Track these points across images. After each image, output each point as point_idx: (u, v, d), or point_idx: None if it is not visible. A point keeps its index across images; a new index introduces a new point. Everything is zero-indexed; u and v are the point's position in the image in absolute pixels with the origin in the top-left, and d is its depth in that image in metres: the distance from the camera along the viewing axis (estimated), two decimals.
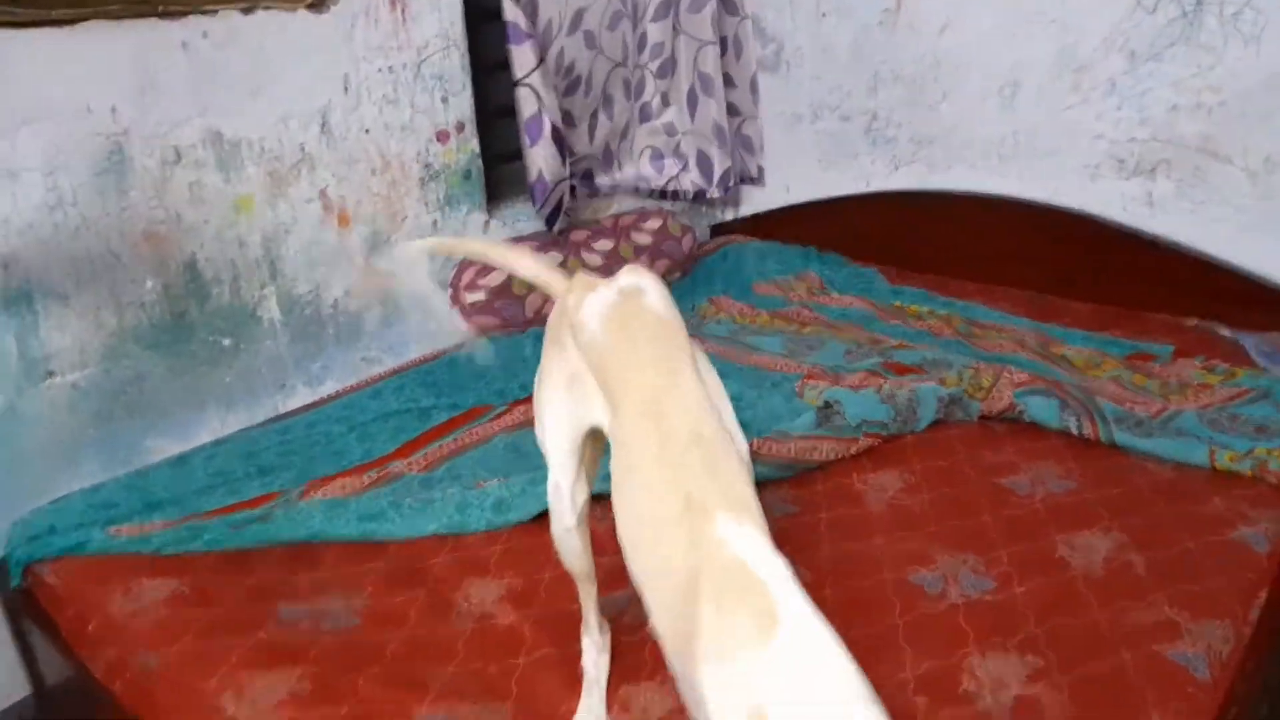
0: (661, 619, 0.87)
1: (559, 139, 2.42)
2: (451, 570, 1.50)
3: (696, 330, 2.30)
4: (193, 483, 1.74)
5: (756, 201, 3.04)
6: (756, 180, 3.01)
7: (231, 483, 1.74)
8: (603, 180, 2.81)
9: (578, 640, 1.28)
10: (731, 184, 2.91)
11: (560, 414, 1.13)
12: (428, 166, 2.25)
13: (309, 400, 2.08)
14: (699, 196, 2.93)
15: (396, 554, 1.55)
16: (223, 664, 1.28)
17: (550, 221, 2.47)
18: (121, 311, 1.80)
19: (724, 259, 2.80)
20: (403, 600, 1.43)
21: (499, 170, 2.51)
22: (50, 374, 1.72)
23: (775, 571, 0.81)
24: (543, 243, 2.46)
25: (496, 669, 1.28)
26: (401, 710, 1.20)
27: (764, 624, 0.76)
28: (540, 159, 2.42)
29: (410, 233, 2.23)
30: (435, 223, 2.30)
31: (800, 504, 1.65)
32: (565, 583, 1.28)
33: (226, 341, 1.96)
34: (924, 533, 1.54)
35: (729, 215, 3.10)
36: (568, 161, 2.47)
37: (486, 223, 2.43)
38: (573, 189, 2.57)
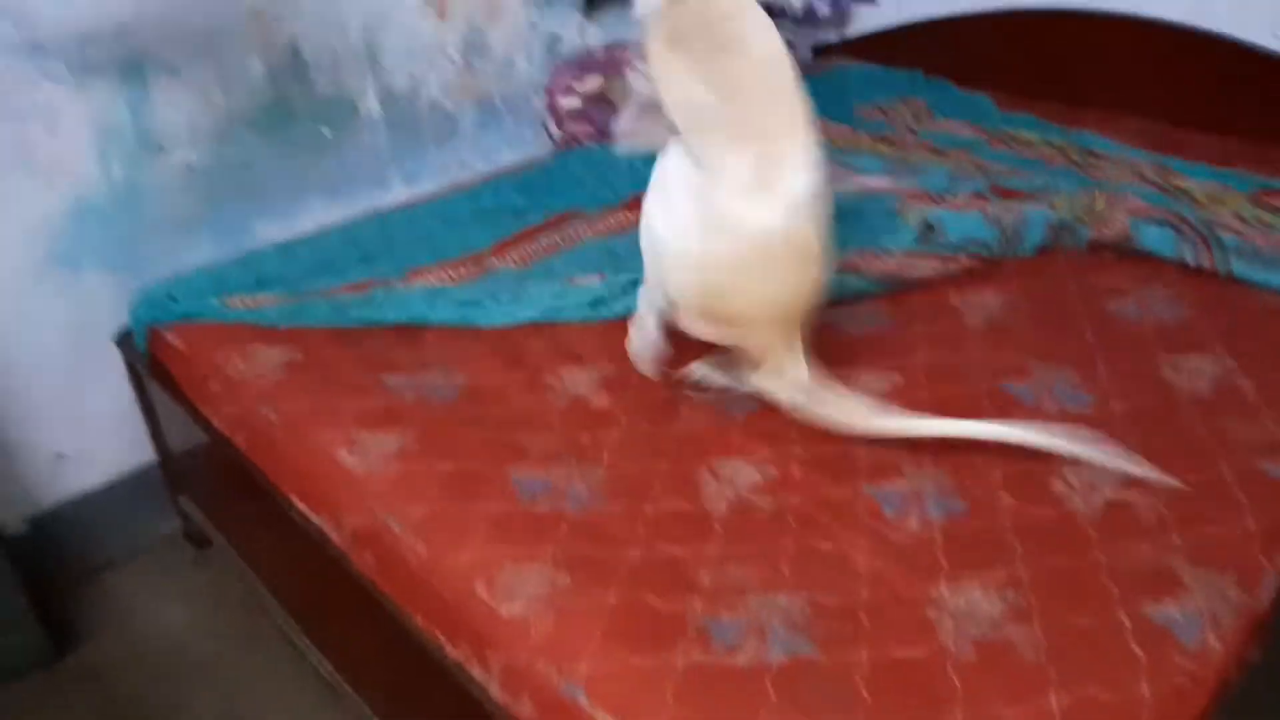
0: None
1: None
2: (547, 356, 1.54)
3: None
4: (298, 266, 1.78)
5: (865, 22, 2.88)
6: None
7: (336, 267, 1.78)
8: None
9: (667, 420, 1.33)
10: (844, 2, 2.76)
11: None
12: None
13: (405, 198, 2.10)
14: (808, 15, 2.79)
15: (493, 338, 1.60)
16: (337, 421, 1.35)
17: None
18: (229, 91, 1.81)
19: (826, 82, 2.67)
20: (500, 379, 1.48)
21: None
22: (162, 149, 1.76)
23: None
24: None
25: (589, 439, 1.33)
26: (501, 469, 1.26)
27: None
28: None
29: (506, 32, 2.18)
30: (533, 23, 2.23)
31: (895, 318, 1.63)
32: None
33: (327, 131, 1.98)
34: (1021, 348, 1.51)
35: (834, 36, 2.94)
36: None
37: (584, 27, 2.35)
38: None
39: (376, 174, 2.08)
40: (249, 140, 1.86)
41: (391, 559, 1.17)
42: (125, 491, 1.87)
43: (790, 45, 2.56)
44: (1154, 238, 1.73)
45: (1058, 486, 1.23)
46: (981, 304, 1.66)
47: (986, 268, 1.75)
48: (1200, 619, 1.01)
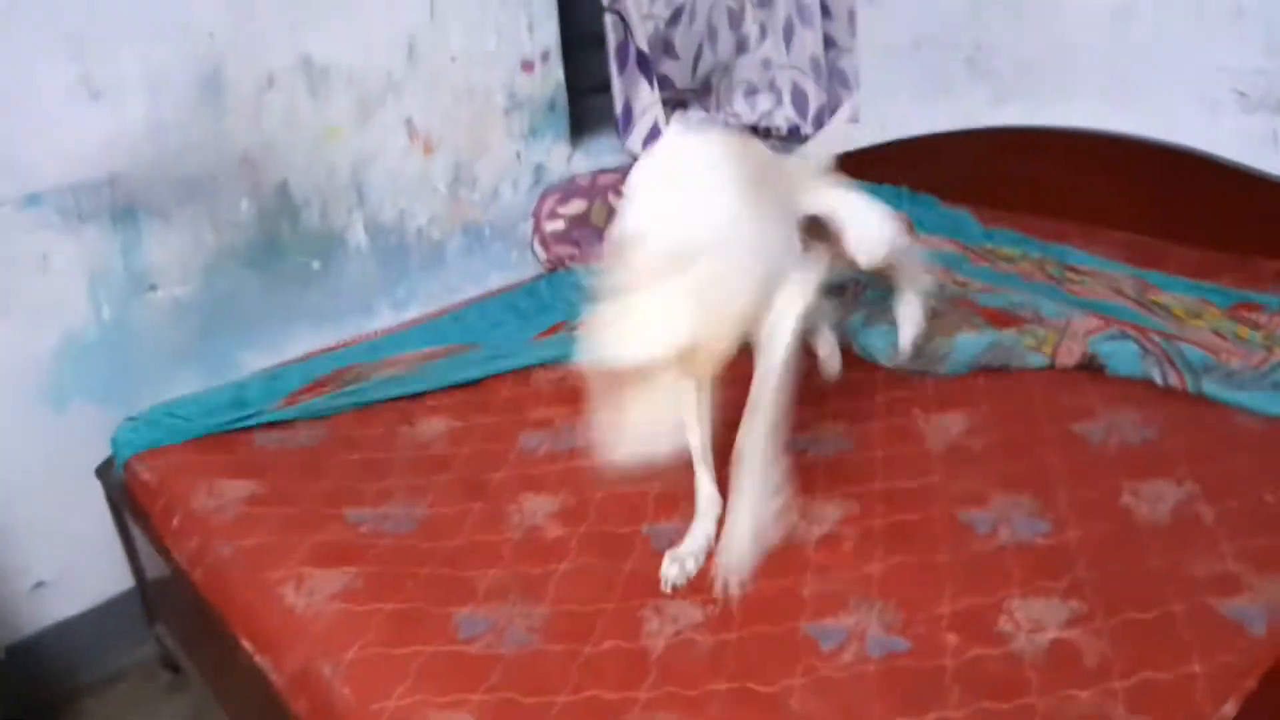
0: None
1: (646, 67, 2.41)
2: (510, 485, 1.56)
3: None
4: (284, 385, 1.84)
5: (850, 141, 2.96)
6: (852, 117, 2.92)
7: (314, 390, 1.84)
8: (695, 114, 2.78)
9: (619, 554, 1.34)
10: (826, 120, 2.84)
11: None
12: (512, 96, 2.28)
13: (393, 323, 2.16)
14: (793, 134, 2.87)
15: (460, 465, 1.62)
16: (288, 558, 1.37)
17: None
18: (219, 230, 1.91)
19: None
20: (460, 509, 1.50)
21: (587, 101, 2.52)
22: (153, 287, 1.85)
23: None
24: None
25: (539, 572, 1.33)
26: (444, 608, 1.27)
27: None
28: (627, 87, 2.42)
29: (492, 163, 2.27)
30: (518, 154, 2.33)
31: (855, 440, 1.63)
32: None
33: (315, 264, 2.06)
34: (982, 473, 1.50)
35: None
36: (656, 90, 2.46)
37: (570, 155, 2.45)
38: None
39: (364, 302, 2.15)
40: (238, 274, 1.95)
41: (322, 705, 1.17)
42: (104, 618, 1.89)
43: None
44: (1119, 358, 1.72)
45: (1004, 624, 1.20)
46: (945, 426, 1.65)
47: (954, 386, 1.76)
48: None
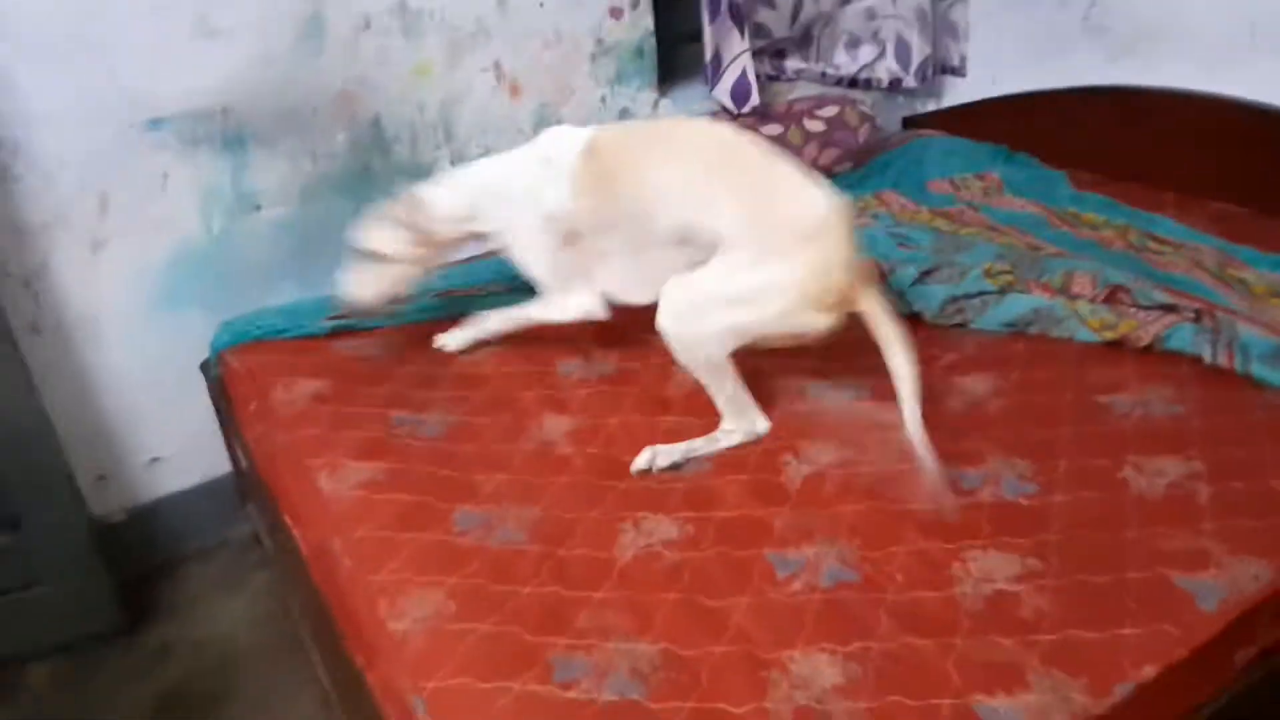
0: None
1: (739, 16, 2.45)
2: (537, 404, 1.69)
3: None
4: None
5: (959, 93, 2.88)
6: (958, 70, 2.85)
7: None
8: (793, 65, 2.79)
9: (616, 476, 1.45)
10: (930, 73, 2.78)
11: None
12: (599, 42, 2.37)
13: (468, 255, 2.32)
14: (894, 86, 2.83)
15: (498, 386, 1.76)
16: (330, 450, 1.56)
17: (739, 103, 2.52)
18: (316, 159, 2.11)
19: (905, 153, 2.70)
20: (487, 421, 1.64)
21: (678, 51, 2.57)
22: (257, 208, 2.07)
23: None
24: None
25: (540, 483, 1.46)
26: (449, 504, 1.42)
27: None
28: (717, 36, 2.46)
29: (577, 108, 2.38)
30: (604, 98, 2.43)
31: (872, 391, 1.65)
32: None
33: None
34: (987, 436, 1.51)
35: (929, 106, 2.96)
36: (748, 40, 2.48)
37: (656, 101, 2.52)
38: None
39: None
40: (332, 200, 2.15)
41: (330, 575, 1.35)
42: (206, 495, 2.17)
43: (866, 118, 2.63)
44: (1173, 334, 1.67)
45: (955, 570, 1.24)
46: (970, 388, 1.66)
47: (994, 349, 1.76)
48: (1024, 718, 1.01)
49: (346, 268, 1.78)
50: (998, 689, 1.05)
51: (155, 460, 2.12)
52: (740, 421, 1.54)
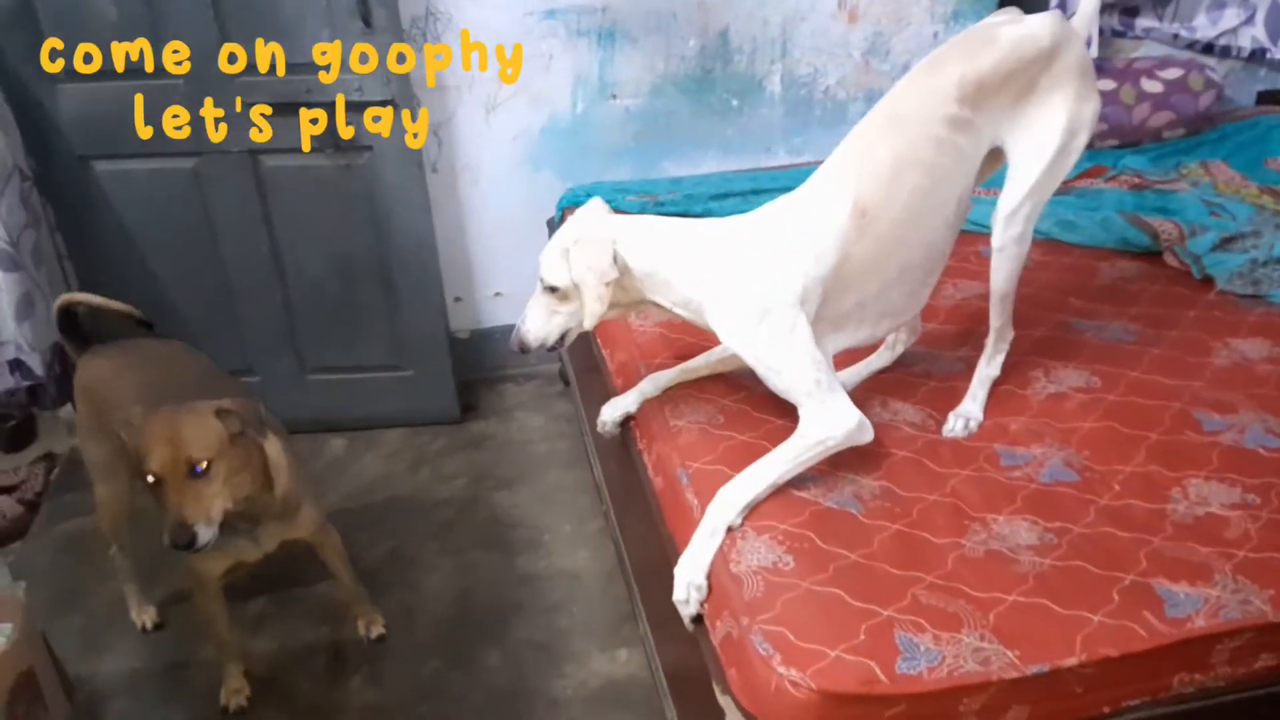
0: None
1: None
2: None
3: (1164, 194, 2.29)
4: (681, 190, 2.36)
5: None
6: None
7: (704, 199, 2.33)
8: (1143, 23, 2.72)
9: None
10: None
11: None
12: None
13: (786, 163, 2.57)
14: (1257, 56, 2.67)
15: None
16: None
17: None
18: (669, 60, 2.43)
19: (1251, 128, 2.56)
20: None
21: None
22: (613, 96, 2.44)
23: None
24: None
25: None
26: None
27: None
28: None
29: (908, 39, 2.52)
30: (936, 34, 2.54)
31: (1139, 336, 1.72)
32: None
33: (735, 101, 2.52)
34: (1249, 392, 1.55)
35: None
36: None
37: None
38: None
39: (766, 142, 2.58)
40: (675, 98, 2.47)
41: (627, 384, 1.68)
42: None
43: (1213, 84, 2.53)
44: None
45: (1174, 491, 1.34)
46: (1241, 349, 1.68)
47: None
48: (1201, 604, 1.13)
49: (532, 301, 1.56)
50: (1182, 579, 1.17)
51: (498, 294, 2.60)
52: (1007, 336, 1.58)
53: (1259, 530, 1.25)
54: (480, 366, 2.66)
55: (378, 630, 1.86)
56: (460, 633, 1.87)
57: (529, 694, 1.74)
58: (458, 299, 2.59)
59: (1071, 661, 1.08)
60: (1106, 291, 1.90)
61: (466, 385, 2.58)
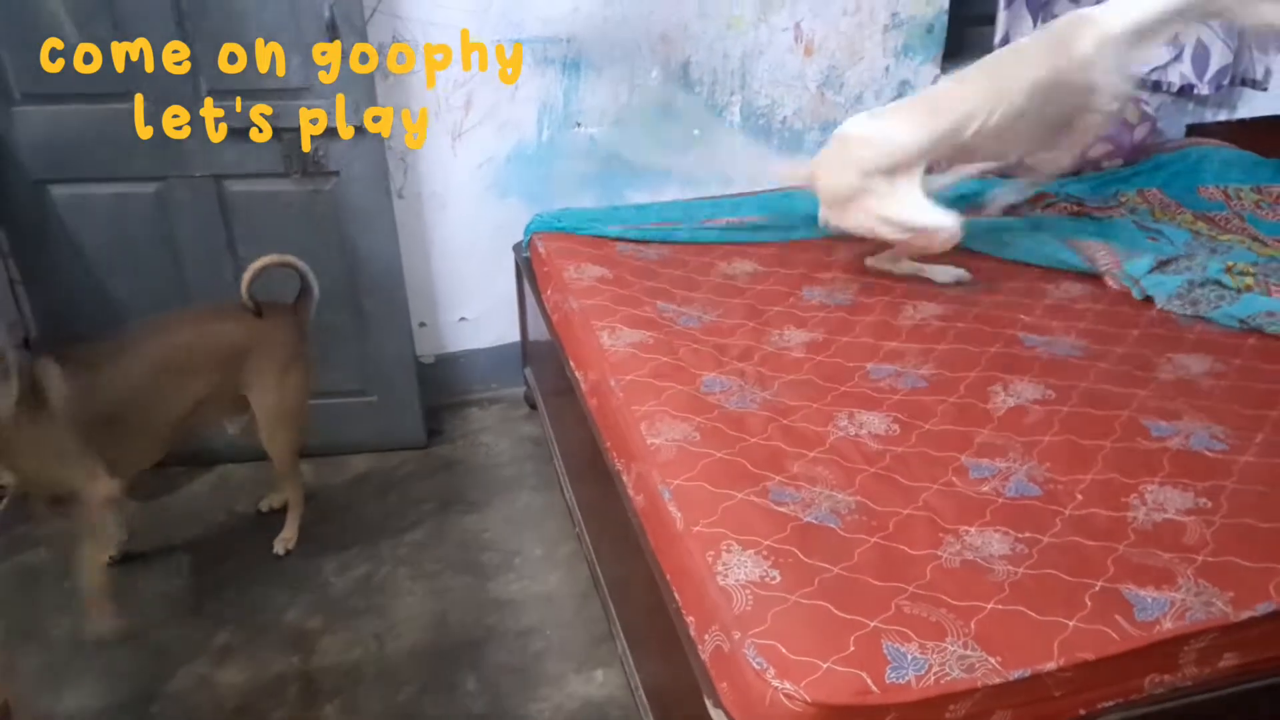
0: None
1: (1035, 3, 2.57)
2: (778, 320, 1.98)
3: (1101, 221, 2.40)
4: (645, 217, 2.40)
5: (1254, 106, 2.83)
6: (1259, 84, 2.80)
7: (668, 224, 2.38)
8: None
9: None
10: (1225, 83, 2.76)
11: None
12: (894, 15, 2.58)
13: (744, 190, 2.63)
14: (1185, 91, 2.83)
15: (750, 298, 2.06)
16: (610, 317, 1.92)
17: None
18: (632, 91, 2.48)
19: (1182, 159, 2.70)
20: (734, 323, 1.95)
21: (966, 31, 2.73)
22: (578, 124, 2.48)
23: None
24: None
25: (772, 374, 1.75)
26: (698, 372, 1.74)
27: None
28: (1011, 21, 2.60)
29: (861, 73, 2.61)
30: (887, 68, 2.64)
31: (1085, 351, 1.81)
32: None
33: (696, 131, 2.58)
34: (1192, 402, 1.63)
35: (1220, 116, 2.92)
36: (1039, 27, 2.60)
37: (936, 77, 2.69)
38: None
39: (725, 173, 2.64)
40: (638, 128, 2.52)
41: (603, 403, 1.71)
42: (495, 357, 2.65)
43: (1148, 118, 2.67)
44: None
45: (1132, 499, 1.41)
46: (1185, 365, 1.77)
47: (1223, 340, 1.85)
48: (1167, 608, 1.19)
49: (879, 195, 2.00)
50: (1148, 583, 1.23)
51: (463, 319, 2.61)
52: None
53: (1214, 535, 1.32)
54: (445, 391, 2.66)
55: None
56: (434, 658, 1.87)
57: (506, 718, 1.73)
58: (423, 324, 2.59)
59: (1051, 666, 1.13)
60: (1054, 310, 1.99)
61: (431, 410, 2.57)
